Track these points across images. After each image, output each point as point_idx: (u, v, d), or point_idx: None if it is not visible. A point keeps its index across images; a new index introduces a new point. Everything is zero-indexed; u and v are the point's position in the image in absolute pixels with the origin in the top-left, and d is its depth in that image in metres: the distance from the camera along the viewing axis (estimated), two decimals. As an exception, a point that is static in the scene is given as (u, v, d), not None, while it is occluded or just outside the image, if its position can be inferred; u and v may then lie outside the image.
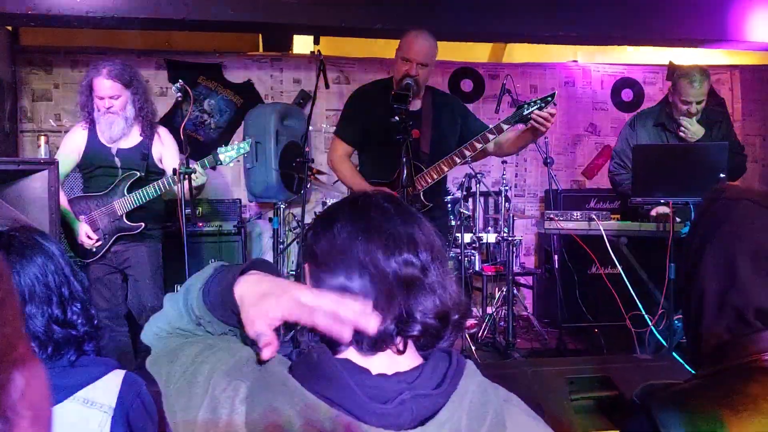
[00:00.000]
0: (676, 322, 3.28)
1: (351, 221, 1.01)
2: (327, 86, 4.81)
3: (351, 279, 0.96)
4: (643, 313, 3.38)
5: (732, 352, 1.09)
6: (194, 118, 5.66)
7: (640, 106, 6.39)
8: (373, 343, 0.95)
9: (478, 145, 3.26)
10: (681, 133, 3.83)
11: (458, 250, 4.62)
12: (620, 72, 6.45)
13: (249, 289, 0.95)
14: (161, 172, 3.66)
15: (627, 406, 1.14)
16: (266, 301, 0.92)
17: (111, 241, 3.57)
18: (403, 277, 0.95)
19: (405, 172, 2.96)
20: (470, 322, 4.97)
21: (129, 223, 3.56)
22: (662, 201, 3.42)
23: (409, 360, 0.98)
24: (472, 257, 4.97)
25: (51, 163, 3.52)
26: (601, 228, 3.50)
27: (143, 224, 3.57)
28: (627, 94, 6.45)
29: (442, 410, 0.89)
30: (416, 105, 3.42)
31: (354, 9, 4.41)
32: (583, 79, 6.41)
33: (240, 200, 5.39)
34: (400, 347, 0.97)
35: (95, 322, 1.41)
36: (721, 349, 1.10)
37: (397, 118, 2.96)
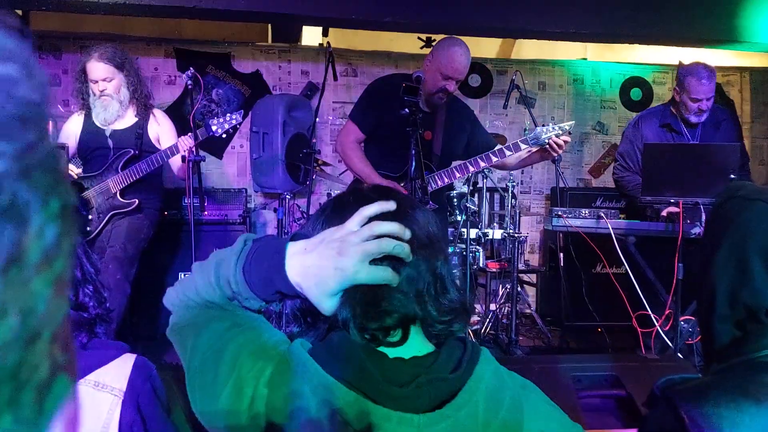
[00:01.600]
0: (682, 323, 3.27)
1: (331, 210, 1.03)
2: (335, 78, 4.80)
3: None
4: (650, 313, 3.37)
5: (744, 347, 1.09)
6: (202, 107, 5.65)
7: (649, 105, 6.36)
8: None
9: (495, 159, 3.32)
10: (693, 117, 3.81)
11: (463, 246, 4.61)
12: (629, 71, 6.43)
13: (302, 267, 0.94)
14: (155, 152, 3.67)
15: (649, 400, 1.14)
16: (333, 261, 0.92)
17: (105, 220, 3.56)
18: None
19: (414, 164, 2.96)
20: (473, 318, 4.96)
21: (122, 200, 3.56)
22: (672, 201, 3.41)
23: (425, 346, 0.98)
24: (477, 253, 4.96)
25: (61, 148, 3.53)
26: (610, 226, 3.49)
27: (137, 201, 3.56)
28: (636, 93, 6.42)
29: (459, 394, 0.90)
30: (431, 107, 3.45)
31: (364, 2, 4.39)
32: (591, 77, 6.38)
33: (245, 190, 5.38)
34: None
35: (107, 304, 1.41)
36: (734, 345, 1.11)
37: (407, 110, 2.96)
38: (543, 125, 3.35)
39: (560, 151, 3.29)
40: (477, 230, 4.97)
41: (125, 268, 3.49)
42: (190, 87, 3.45)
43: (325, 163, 5.31)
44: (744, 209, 1.13)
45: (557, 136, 3.25)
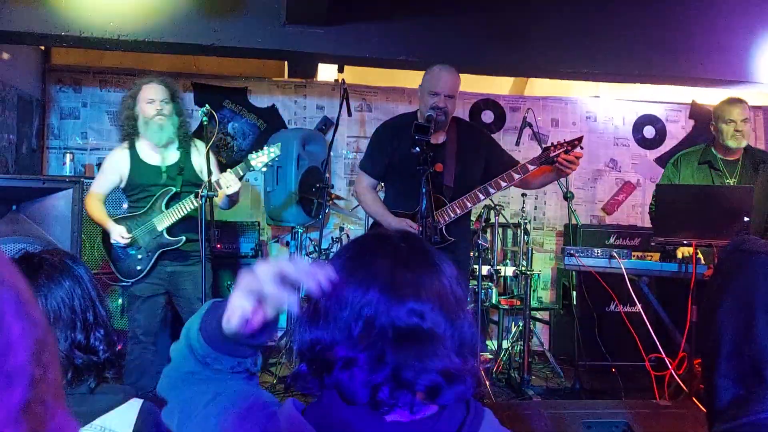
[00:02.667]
0: (696, 366, 3.22)
1: (352, 258, 0.98)
2: (349, 114, 4.86)
3: (339, 322, 0.92)
4: (663, 356, 3.33)
5: (748, 407, 1.07)
6: (218, 141, 5.71)
7: (662, 143, 6.37)
8: (373, 406, 0.89)
9: (503, 184, 3.30)
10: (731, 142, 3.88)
11: (475, 283, 4.60)
12: (642, 108, 6.44)
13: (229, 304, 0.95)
14: (201, 185, 3.65)
15: None
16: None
17: (154, 258, 3.56)
18: (399, 329, 0.89)
19: (425, 203, 2.97)
20: (485, 356, 4.92)
21: (169, 238, 3.56)
22: (685, 242, 3.39)
23: (425, 407, 0.93)
24: (489, 290, 4.93)
25: (76, 182, 3.58)
26: (623, 266, 3.46)
27: (184, 238, 3.57)
28: (649, 131, 6.43)
29: None
30: (440, 138, 3.44)
31: (378, 41, 4.46)
32: (604, 114, 6.40)
33: (258, 222, 5.41)
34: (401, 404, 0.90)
35: (117, 348, 1.41)
36: (737, 404, 1.09)
37: (417, 149, 2.98)
38: (551, 144, 3.33)
39: (574, 168, 3.25)
40: (489, 267, 4.95)
41: None
42: (205, 123, 3.49)
43: (338, 197, 5.34)
44: (747, 264, 1.13)
45: (567, 152, 3.24)
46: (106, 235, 3.60)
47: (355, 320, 0.90)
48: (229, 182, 3.46)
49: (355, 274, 0.94)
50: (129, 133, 3.62)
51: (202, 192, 3.37)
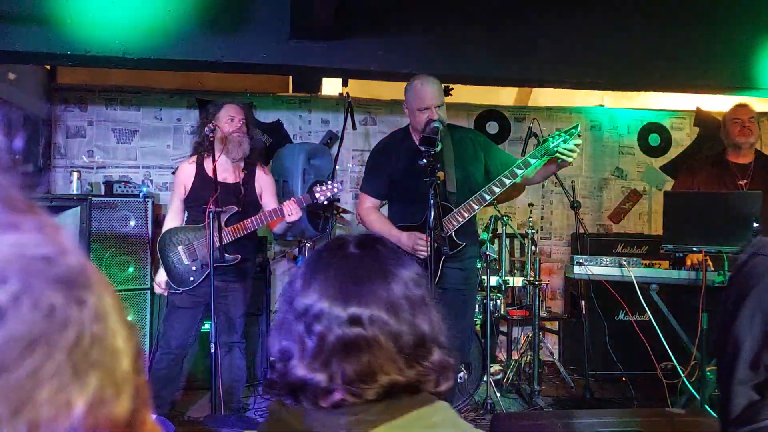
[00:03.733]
0: (708, 374, 3.19)
1: (308, 269, 1.02)
2: (354, 127, 4.88)
3: (290, 324, 0.98)
4: (675, 364, 3.30)
5: (763, 412, 1.06)
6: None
7: (668, 151, 6.36)
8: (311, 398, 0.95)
9: (507, 181, 3.26)
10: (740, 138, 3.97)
11: (484, 294, 4.58)
12: (647, 117, 6.44)
13: None
14: (259, 206, 3.83)
15: None
16: None
17: (207, 272, 3.62)
18: (344, 339, 0.93)
19: (432, 214, 2.97)
20: (495, 368, 4.89)
21: (226, 255, 3.61)
22: (695, 249, 3.37)
23: None
24: (498, 300, 4.92)
25: (83, 200, 3.59)
26: (632, 274, 3.45)
27: (239, 257, 3.64)
28: (654, 139, 6.42)
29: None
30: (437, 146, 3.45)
31: (382, 54, 4.48)
32: (609, 124, 6.40)
33: (266, 238, 5.41)
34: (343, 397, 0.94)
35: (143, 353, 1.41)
36: (751, 410, 1.08)
37: (424, 161, 2.98)
38: (549, 136, 3.30)
39: (574, 156, 3.25)
40: (497, 277, 4.94)
41: (243, 323, 3.86)
42: (211, 139, 3.53)
43: (345, 211, 5.34)
44: (767, 269, 1.12)
45: (565, 141, 3.22)
46: (161, 241, 3.72)
47: (308, 334, 0.95)
48: (291, 210, 3.58)
49: (309, 285, 0.98)
50: (206, 147, 3.70)
51: (209, 209, 3.41)
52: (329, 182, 3.72)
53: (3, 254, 0.31)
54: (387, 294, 0.95)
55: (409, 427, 0.90)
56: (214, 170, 3.64)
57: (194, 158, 3.80)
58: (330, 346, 0.93)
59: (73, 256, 0.34)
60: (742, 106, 4.07)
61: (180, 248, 3.66)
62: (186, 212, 3.85)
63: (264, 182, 3.87)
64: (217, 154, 3.62)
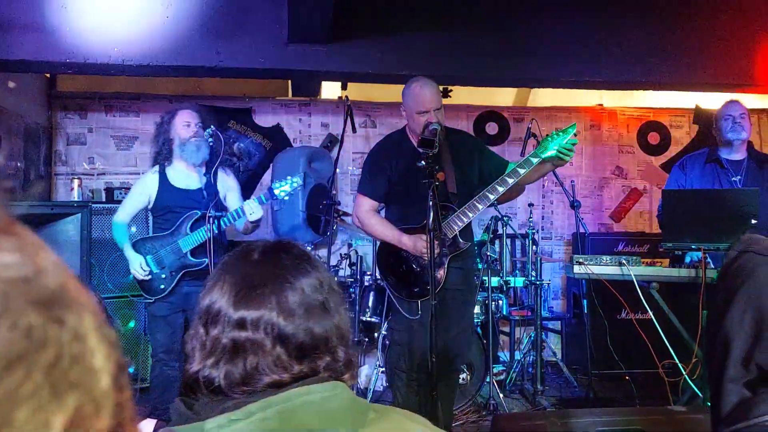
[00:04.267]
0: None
1: (218, 267, 1.11)
2: (354, 130, 4.88)
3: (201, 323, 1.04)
4: (677, 361, 3.30)
5: (754, 410, 1.06)
6: (224, 161, 5.74)
7: (667, 149, 6.37)
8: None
9: (510, 180, 3.27)
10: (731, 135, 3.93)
11: (485, 294, 4.58)
12: (646, 115, 6.44)
13: None
14: (225, 209, 3.81)
15: None
16: None
17: (177, 278, 3.68)
18: (234, 340, 0.99)
19: (432, 216, 2.97)
20: (498, 368, 4.90)
21: (193, 259, 3.67)
22: (694, 247, 3.37)
23: None
24: (500, 301, 4.92)
25: (84, 207, 3.61)
26: (632, 273, 3.45)
27: (206, 260, 3.65)
28: (653, 138, 6.42)
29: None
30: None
31: (380, 56, 4.49)
32: (609, 123, 6.40)
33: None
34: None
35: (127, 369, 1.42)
36: (742, 407, 1.08)
37: (423, 162, 2.98)
38: (547, 136, 3.32)
39: (571, 154, 3.26)
40: (498, 278, 4.94)
41: None
42: (212, 144, 3.55)
43: (346, 213, 5.35)
44: (758, 266, 1.12)
45: (563, 140, 3.23)
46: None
47: (206, 335, 1.02)
48: (252, 209, 3.60)
49: (213, 286, 1.06)
50: (165, 156, 3.77)
51: (209, 213, 3.43)
52: (288, 177, 3.72)
53: None
54: (279, 300, 1.00)
55: (287, 400, 0.93)
56: (214, 173, 3.68)
57: (156, 168, 3.81)
58: (221, 347, 0.99)
59: (53, 275, 0.34)
60: (733, 103, 4.03)
61: (148, 258, 3.70)
62: (153, 221, 3.89)
63: (227, 185, 3.88)
64: (176, 161, 3.72)
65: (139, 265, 3.64)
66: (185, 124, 3.75)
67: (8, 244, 0.33)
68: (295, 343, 0.99)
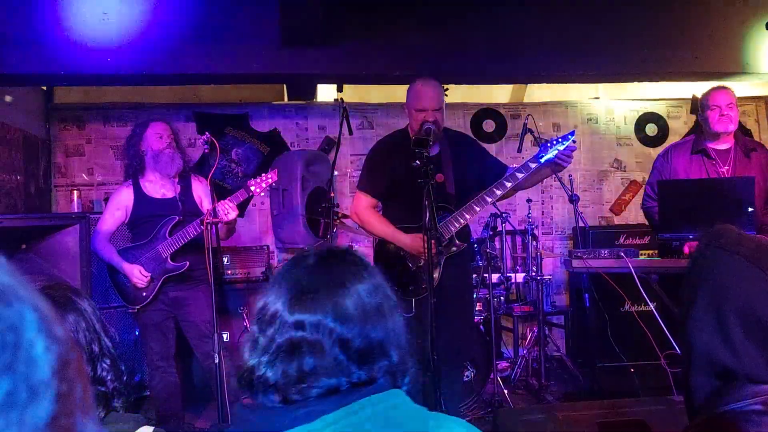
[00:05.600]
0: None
1: (277, 271, 1.14)
2: (350, 132, 4.87)
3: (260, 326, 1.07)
4: (678, 352, 3.29)
5: (724, 398, 1.05)
6: (222, 167, 5.76)
7: (665, 140, 6.35)
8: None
9: (508, 184, 3.29)
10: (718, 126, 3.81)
11: (486, 291, 4.59)
12: (643, 107, 6.44)
13: None
14: (201, 214, 3.75)
15: None
16: None
17: (159, 284, 3.67)
18: (291, 341, 1.01)
19: (428, 216, 2.98)
20: (503, 364, 4.90)
21: (174, 263, 3.66)
22: (690, 237, 3.37)
23: None
24: (502, 297, 4.92)
25: (83, 218, 3.63)
26: (630, 265, 3.44)
27: (187, 263, 3.65)
28: (651, 129, 6.42)
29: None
30: (435, 149, 3.45)
31: (374, 57, 4.50)
32: (606, 116, 6.40)
33: (268, 246, 5.44)
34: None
35: (124, 378, 1.43)
36: (713, 396, 1.07)
37: (418, 162, 2.99)
38: (547, 141, 3.34)
39: (570, 161, 3.30)
40: (499, 275, 4.94)
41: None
42: (206, 151, 3.54)
43: (345, 216, 5.35)
44: (721, 263, 1.10)
45: (562, 146, 3.26)
46: (111, 267, 3.71)
47: (261, 333, 1.05)
48: (227, 209, 3.52)
49: (271, 289, 1.09)
50: (136, 168, 3.75)
51: (207, 219, 3.42)
52: (263, 174, 3.69)
53: None
54: (335, 305, 1.03)
55: (360, 409, 0.96)
56: (187, 180, 3.66)
57: (129, 182, 3.79)
58: (276, 346, 1.02)
59: None
60: (719, 91, 3.86)
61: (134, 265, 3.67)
62: (131, 233, 3.86)
63: (201, 190, 3.87)
64: (149, 173, 3.72)
65: (138, 272, 3.61)
66: (158, 135, 3.73)
67: None
68: (353, 347, 1.02)
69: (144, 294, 3.65)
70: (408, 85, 3.58)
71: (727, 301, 1.07)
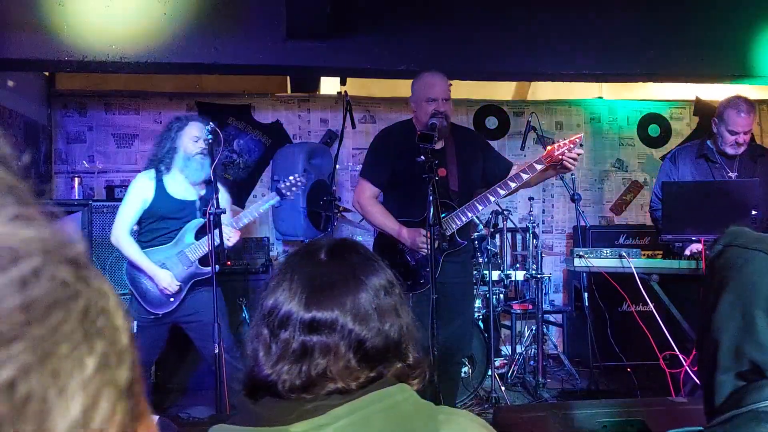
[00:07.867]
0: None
1: (279, 267, 1.07)
2: (353, 126, 4.87)
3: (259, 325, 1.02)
4: (678, 353, 3.31)
5: (747, 398, 1.06)
6: (224, 158, 5.75)
7: (668, 141, 6.36)
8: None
9: (512, 184, 3.29)
10: (729, 149, 3.80)
11: (486, 288, 4.59)
12: (646, 107, 6.43)
13: None
14: (220, 224, 3.57)
15: None
16: None
17: (187, 289, 3.55)
18: (305, 342, 0.97)
19: (432, 211, 2.97)
20: (500, 361, 4.90)
21: (203, 268, 3.54)
22: (693, 239, 3.37)
23: None
24: (501, 295, 4.92)
25: (85, 204, 3.61)
26: (632, 265, 3.45)
27: (217, 267, 3.43)
28: (654, 130, 6.42)
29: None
30: (440, 144, 3.44)
31: (378, 51, 4.49)
32: (609, 115, 6.40)
33: (267, 238, 5.43)
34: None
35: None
36: (736, 396, 1.08)
37: (422, 157, 2.98)
38: (554, 143, 3.34)
39: (576, 164, 3.28)
40: (499, 272, 4.94)
41: (225, 330, 3.53)
42: (210, 141, 3.47)
43: (346, 209, 5.35)
44: (745, 261, 1.11)
45: (569, 150, 3.24)
46: (129, 269, 3.56)
47: (273, 338, 1.00)
48: (229, 235, 3.44)
49: (278, 287, 1.02)
50: (166, 164, 3.58)
51: (210, 210, 3.38)
52: (290, 177, 3.66)
53: (26, 236, 0.37)
54: (353, 301, 0.98)
55: (369, 404, 0.93)
56: (214, 171, 3.62)
57: (152, 174, 3.59)
58: (292, 350, 0.97)
59: (77, 246, 0.41)
60: (741, 116, 3.72)
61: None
62: (138, 226, 3.65)
63: (225, 200, 3.62)
64: (175, 171, 3.57)
65: (172, 279, 3.46)
66: (194, 138, 3.55)
67: (44, 221, 0.40)
68: (368, 346, 0.97)
69: (172, 299, 3.50)
70: (412, 80, 3.57)
71: (754, 298, 1.08)
